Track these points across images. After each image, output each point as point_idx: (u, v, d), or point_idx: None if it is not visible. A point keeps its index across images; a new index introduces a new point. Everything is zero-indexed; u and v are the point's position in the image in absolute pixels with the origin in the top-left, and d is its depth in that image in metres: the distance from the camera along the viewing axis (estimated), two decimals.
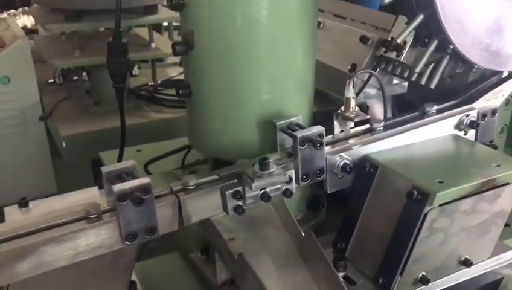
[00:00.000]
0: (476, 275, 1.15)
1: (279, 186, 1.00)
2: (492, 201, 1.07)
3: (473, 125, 1.22)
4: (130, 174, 0.94)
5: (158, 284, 1.24)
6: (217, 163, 1.23)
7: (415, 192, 0.99)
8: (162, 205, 0.95)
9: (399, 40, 1.20)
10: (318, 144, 1.03)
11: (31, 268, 0.86)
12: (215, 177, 1.02)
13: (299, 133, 1.03)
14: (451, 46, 1.18)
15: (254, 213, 1.14)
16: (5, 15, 3.05)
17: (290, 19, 1.14)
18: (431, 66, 1.25)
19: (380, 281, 1.06)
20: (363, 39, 1.34)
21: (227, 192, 0.97)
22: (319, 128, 1.04)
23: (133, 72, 2.76)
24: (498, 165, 1.07)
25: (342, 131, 1.19)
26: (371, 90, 1.36)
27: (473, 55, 1.19)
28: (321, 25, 1.49)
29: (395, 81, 1.38)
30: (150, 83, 2.58)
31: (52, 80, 2.72)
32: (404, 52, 1.23)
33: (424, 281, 1.07)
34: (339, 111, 1.17)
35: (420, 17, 1.17)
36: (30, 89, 2.35)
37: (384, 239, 1.06)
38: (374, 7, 1.53)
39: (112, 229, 0.91)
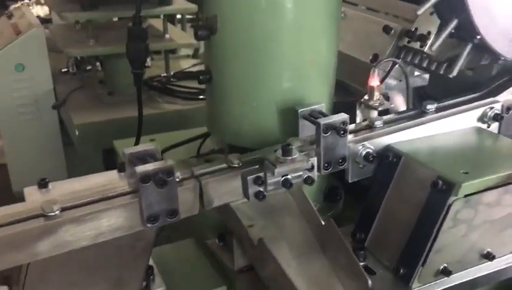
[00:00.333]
0: (498, 269, 1.13)
1: (301, 173, 0.99)
2: None
3: (497, 118, 1.20)
4: (152, 157, 0.93)
5: (174, 269, 1.23)
6: (234, 152, 1.21)
7: (440, 182, 0.98)
8: (183, 189, 0.94)
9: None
10: (342, 132, 1.02)
11: (52, 247, 0.86)
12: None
13: (323, 121, 1.02)
14: (479, 37, 1.16)
15: (272, 201, 1.13)
16: (19, 4, 3.05)
17: (315, 4, 1.12)
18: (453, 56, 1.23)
19: (401, 271, 1.04)
20: (386, 29, 1.32)
21: (248, 177, 0.96)
22: (342, 116, 1.03)
23: (146, 64, 2.75)
24: None
25: (364, 120, 1.17)
26: (392, 82, 1.35)
27: (501, 46, 1.18)
28: (342, 15, 1.48)
29: (416, 73, 1.36)
30: (162, 74, 2.57)
31: (65, 69, 2.71)
32: (429, 42, 1.22)
33: (446, 272, 1.05)
34: (362, 100, 1.16)
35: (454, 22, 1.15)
36: (44, 77, 2.38)
37: (406, 229, 1.04)
38: None
39: (133, 211, 0.90)
